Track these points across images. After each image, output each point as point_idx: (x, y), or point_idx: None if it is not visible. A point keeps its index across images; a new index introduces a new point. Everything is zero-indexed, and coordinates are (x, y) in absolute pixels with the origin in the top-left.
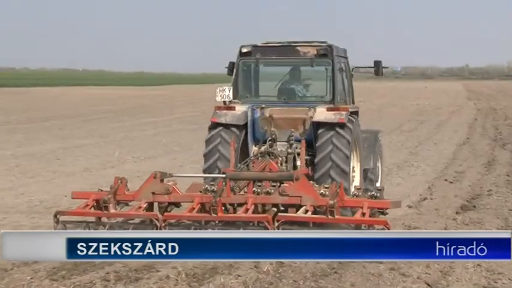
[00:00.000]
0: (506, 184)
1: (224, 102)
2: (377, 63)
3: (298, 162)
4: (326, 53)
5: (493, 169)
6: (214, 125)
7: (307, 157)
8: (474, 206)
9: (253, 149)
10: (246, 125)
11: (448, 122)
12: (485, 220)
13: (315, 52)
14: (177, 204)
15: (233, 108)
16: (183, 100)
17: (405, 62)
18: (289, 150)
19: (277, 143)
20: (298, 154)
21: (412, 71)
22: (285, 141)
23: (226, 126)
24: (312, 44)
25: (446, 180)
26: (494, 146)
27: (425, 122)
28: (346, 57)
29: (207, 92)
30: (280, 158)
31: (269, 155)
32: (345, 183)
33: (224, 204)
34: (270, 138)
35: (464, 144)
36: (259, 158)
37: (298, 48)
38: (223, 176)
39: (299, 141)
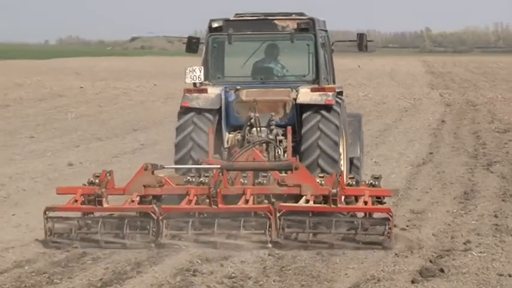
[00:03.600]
0: (494, 231)
1: (194, 84)
2: (360, 37)
3: (280, 151)
4: (308, 27)
5: (472, 206)
6: (185, 110)
7: (278, 147)
8: (442, 270)
9: (228, 136)
10: (219, 109)
11: (398, 126)
12: None
13: (295, 26)
14: (158, 198)
15: (205, 91)
16: None
17: (327, 25)
18: (270, 137)
19: (255, 128)
20: (280, 141)
21: (338, 38)
22: (264, 127)
23: (199, 111)
24: (292, 17)
25: (395, 226)
26: (473, 167)
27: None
28: (326, 30)
29: None
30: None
31: (266, 143)
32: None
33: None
34: (248, 123)
35: (424, 164)
36: (256, 146)
37: (276, 22)
38: (218, 166)
39: (279, 126)
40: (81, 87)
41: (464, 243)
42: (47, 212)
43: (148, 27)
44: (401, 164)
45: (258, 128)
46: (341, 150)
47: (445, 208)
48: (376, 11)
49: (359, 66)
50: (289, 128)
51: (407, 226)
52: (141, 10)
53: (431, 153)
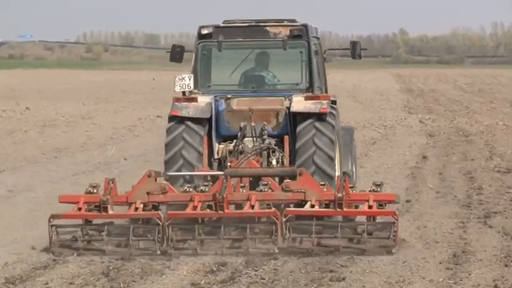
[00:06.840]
0: None
1: (183, 92)
2: (354, 45)
3: (274, 161)
4: (301, 33)
5: (464, 273)
6: (174, 120)
7: (282, 154)
8: None
9: (218, 147)
10: (209, 118)
11: (363, 164)
12: None
13: (288, 33)
14: (156, 207)
15: (195, 100)
16: None
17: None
18: (263, 146)
19: (247, 138)
20: (273, 151)
21: None
22: (257, 137)
23: (188, 122)
24: (284, 24)
25: None
26: (466, 220)
27: None
28: (318, 37)
29: None
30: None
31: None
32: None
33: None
34: (241, 133)
35: (400, 216)
36: (255, 155)
37: (268, 28)
38: (222, 173)
39: (271, 136)
40: None
41: None
42: (51, 220)
43: (20, 30)
44: None
45: (254, 138)
46: (336, 161)
47: (429, 276)
48: (333, 8)
49: None
50: (286, 137)
51: None
52: (9, 6)
53: (408, 201)
